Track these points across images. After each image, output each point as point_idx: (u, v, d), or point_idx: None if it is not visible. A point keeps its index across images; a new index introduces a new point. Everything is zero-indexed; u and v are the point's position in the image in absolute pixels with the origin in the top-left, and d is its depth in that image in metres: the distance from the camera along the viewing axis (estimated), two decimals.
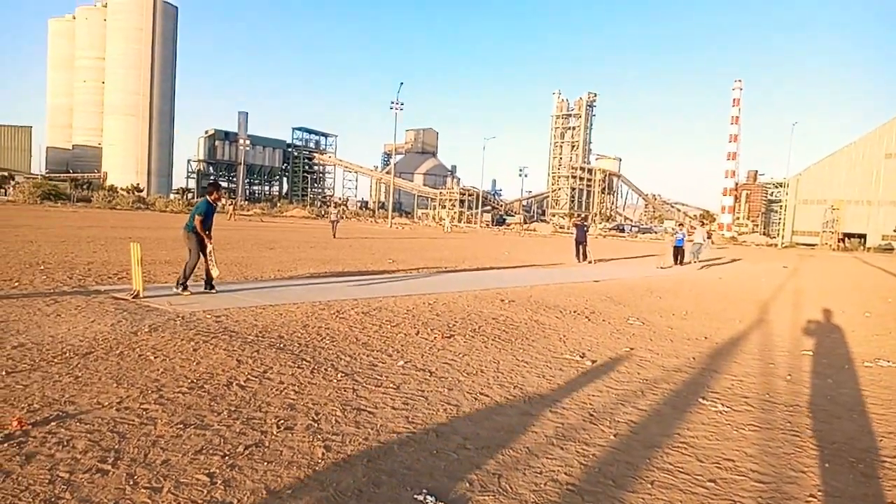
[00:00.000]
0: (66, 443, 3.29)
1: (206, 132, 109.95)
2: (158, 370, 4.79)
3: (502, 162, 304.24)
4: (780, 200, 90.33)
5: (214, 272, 8.95)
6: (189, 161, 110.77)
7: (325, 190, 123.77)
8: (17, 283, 8.79)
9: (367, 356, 5.74)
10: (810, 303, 12.70)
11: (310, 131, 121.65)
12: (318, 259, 16.10)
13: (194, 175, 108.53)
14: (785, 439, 4.11)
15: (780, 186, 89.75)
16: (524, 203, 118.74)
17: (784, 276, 21.03)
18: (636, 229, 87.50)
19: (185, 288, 8.59)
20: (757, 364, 6.46)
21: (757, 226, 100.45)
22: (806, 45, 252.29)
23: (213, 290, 8.93)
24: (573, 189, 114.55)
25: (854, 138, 69.90)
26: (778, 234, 74.90)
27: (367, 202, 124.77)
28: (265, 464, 3.19)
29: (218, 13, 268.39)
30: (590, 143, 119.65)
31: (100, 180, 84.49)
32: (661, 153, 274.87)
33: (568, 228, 77.99)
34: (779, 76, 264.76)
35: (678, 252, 22.24)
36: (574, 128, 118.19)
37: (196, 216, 8.71)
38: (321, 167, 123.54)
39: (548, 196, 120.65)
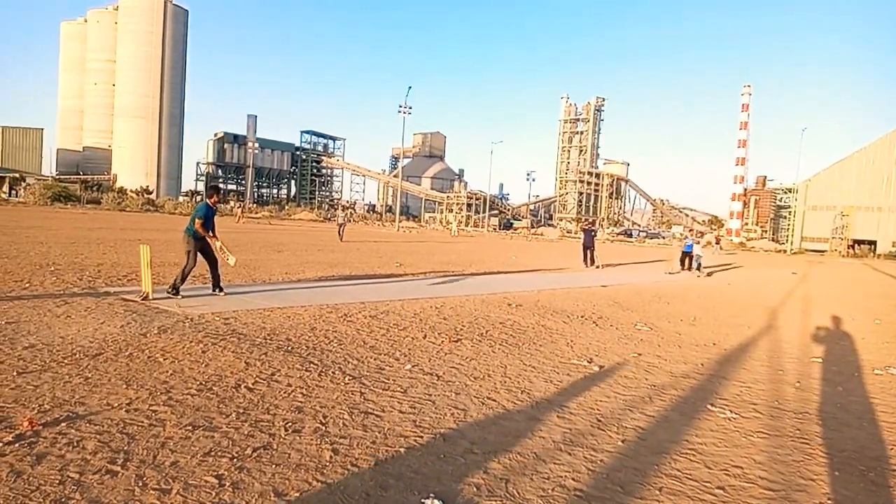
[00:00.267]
0: (76, 443, 3.32)
1: (216, 135, 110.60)
2: (167, 372, 4.82)
3: (510, 166, 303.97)
4: (789, 206, 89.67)
5: (231, 261, 9.24)
6: (198, 163, 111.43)
7: (333, 193, 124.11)
8: (27, 284, 8.87)
9: (375, 360, 5.75)
10: (819, 309, 12.62)
11: (318, 134, 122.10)
12: (325, 262, 16.15)
13: (203, 177, 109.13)
14: (794, 447, 4.08)
15: (790, 192, 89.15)
16: (531, 207, 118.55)
17: (793, 282, 20.90)
18: (644, 234, 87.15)
19: (177, 292, 8.46)
20: (766, 371, 6.43)
21: (766, 231, 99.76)
22: (816, 50, 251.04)
23: (222, 293, 8.98)
24: (581, 193, 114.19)
25: (864, 144, 69.39)
26: (787, 240, 74.42)
27: (374, 205, 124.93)
28: (273, 466, 3.20)
29: (228, 16, 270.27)
30: (598, 147, 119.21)
31: (109, 182, 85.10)
32: (669, 158, 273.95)
33: (575, 233, 77.82)
34: (788, 81, 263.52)
35: (686, 257, 22.12)
36: (582, 132, 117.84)
37: (196, 219, 8.74)
38: (329, 170, 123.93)
39: (555, 200, 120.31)
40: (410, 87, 65.77)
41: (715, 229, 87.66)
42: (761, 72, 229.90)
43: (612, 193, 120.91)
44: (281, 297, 9.20)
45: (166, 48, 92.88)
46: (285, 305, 8.44)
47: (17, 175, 76.07)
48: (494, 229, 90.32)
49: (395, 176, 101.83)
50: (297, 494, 2.91)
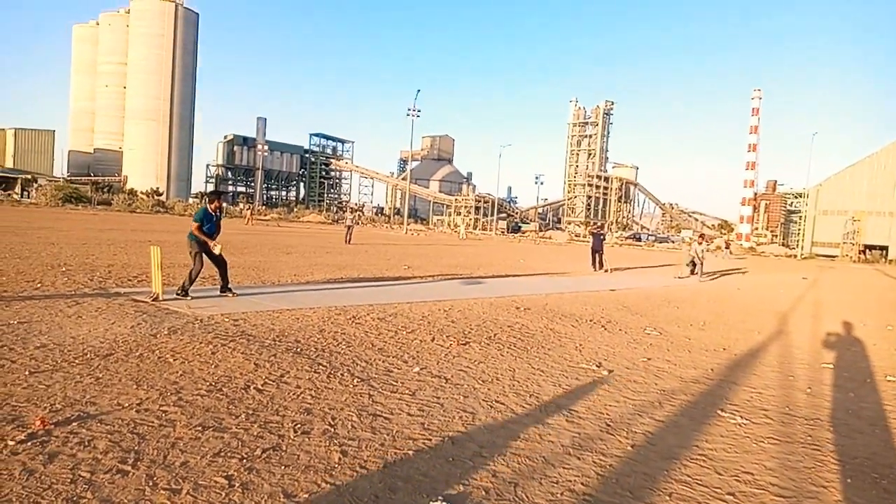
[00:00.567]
0: (87, 443, 3.34)
1: (225, 137, 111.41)
2: (177, 372, 4.84)
3: (518, 169, 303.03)
4: (799, 211, 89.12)
5: (216, 249, 8.84)
6: (208, 166, 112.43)
7: (342, 195, 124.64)
8: (39, 285, 8.95)
9: (383, 362, 5.75)
10: (830, 315, 12.51)
11: (327, 137, 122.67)
12: (334, 264, 16.19)
13: (213, 180, 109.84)
14: (805, 453, 4.05)
15: (800, 197, 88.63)
16: (540, 211, 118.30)
17: (804, 287, 20.75)
18: (653, 238, 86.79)
19: (185, 294, 8.52)
20: (776, 376, 6.38)
21: (776, 236, 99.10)
22: (826, 54, 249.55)
23: (232, 294, 9.02)
24: (589, 197, 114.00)
25: (876, 148, 68.79)
26: (797, 245, 73.90)
27: (382, 208, 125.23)
28: (282, 467, 3.21)
29: (238, 19, 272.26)
30: (606, 151, 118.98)
31: (120, 184, 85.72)
32: (678, 162, 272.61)
33: (584, 237, 77.60)
34: (799, 85, 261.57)
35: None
36: (591, 136, 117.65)
37: (194, 223, 8.78)
38: (338, 173, 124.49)
39: (563, 204, 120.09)
40: (419, 91, 65.92)
41: (725, 234, 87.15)
42: (771, 75, 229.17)
43: (620, 197, 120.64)
44: (290, 299, 9.23)
45: (177, 51, 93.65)
46: (294, 307, 8.47)
47: (28, 176, 76.83)
48: (503, 232, 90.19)
49: (403, 178, 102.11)
50: (307, 496, 2.91)
